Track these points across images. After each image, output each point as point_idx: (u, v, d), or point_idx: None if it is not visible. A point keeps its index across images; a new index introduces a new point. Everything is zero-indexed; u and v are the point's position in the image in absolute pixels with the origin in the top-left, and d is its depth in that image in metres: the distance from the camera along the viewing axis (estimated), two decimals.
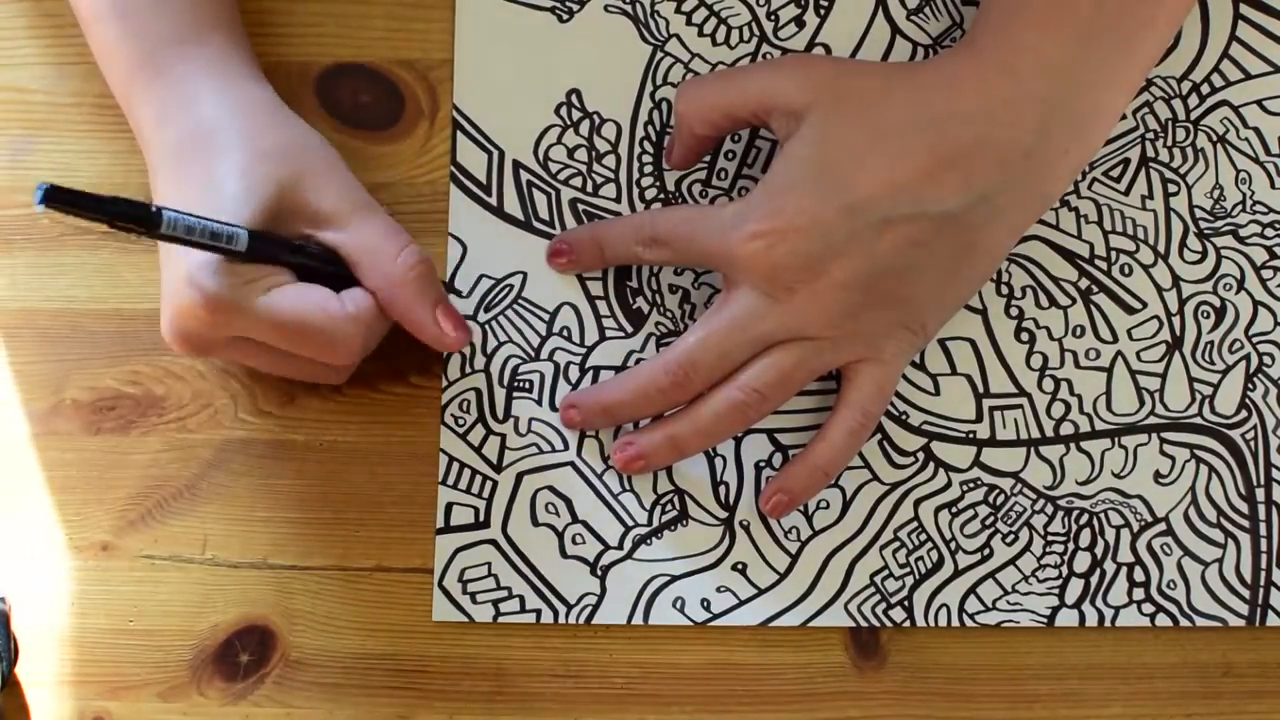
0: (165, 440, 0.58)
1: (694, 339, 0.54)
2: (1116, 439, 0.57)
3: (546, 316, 0.58)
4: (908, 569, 0.57)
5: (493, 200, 0.59)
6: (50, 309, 0.59)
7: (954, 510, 0.57)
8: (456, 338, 0.54)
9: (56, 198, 0.44)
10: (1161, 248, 0.58)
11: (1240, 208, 0.59)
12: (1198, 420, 0.57)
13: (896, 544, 0.57)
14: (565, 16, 0.60)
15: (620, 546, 0.57)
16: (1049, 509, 0.57)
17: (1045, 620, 0.57)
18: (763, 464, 0.57)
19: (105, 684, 0.57)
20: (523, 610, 0.57)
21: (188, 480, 0.58)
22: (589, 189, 0.59)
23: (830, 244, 0.52)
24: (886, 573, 0.57)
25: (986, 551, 0.57)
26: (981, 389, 0.58)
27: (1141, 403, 0.58)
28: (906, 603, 0.57)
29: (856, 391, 0.55)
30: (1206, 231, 0.59)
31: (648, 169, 0.59)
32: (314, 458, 0.58)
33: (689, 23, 0.60)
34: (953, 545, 0.57)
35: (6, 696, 0.56)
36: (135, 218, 0.46)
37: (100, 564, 0.57)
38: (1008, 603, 0.57)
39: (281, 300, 0.50)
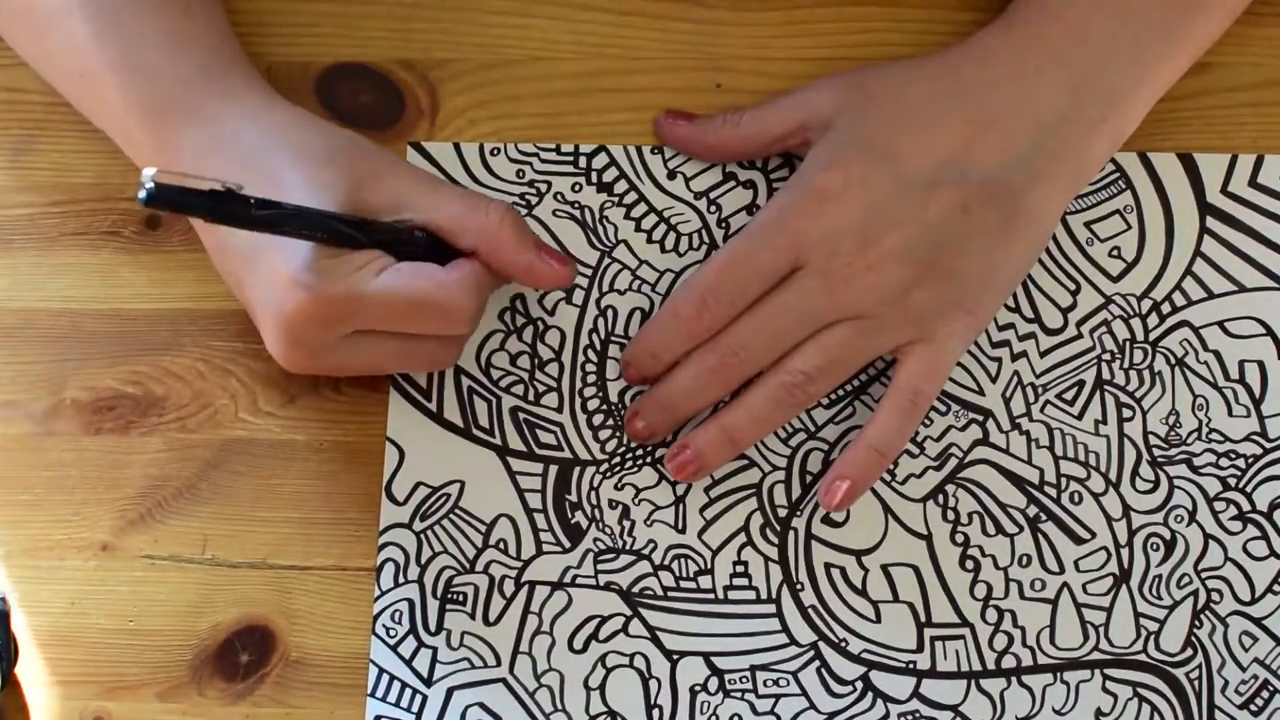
0: (165, 440, 0.58)
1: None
2: (1059, 674, 0.56)
3: (483, 528, 0.58)
4: None
5: (432, 406, 0.58)
6: (50, 309, 0.59)
7: None
8: (565, 272, 0.54)
9: (161, 198, 0.44)
10: (1113, 475, 0.57)
11: (1195, 435, 0.57)
12: (1142, 657, 0.56)
13: None
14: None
15: None
16: None
17: None
18: (698, 688, 0.56)
19: (105, 684, 0.57)
20: None
21: (188, 480, 0.58)
22: (530, 397, 0.58)
23: (880, 212, 0.53)
24: None
25: None
26: (924, 617, 0.57)
27: (1086, 637, 0.56)
28: None
29: (905, 371, 0.54)
30: (1160, 460, 0.57)
31: (591, 378, 0.58)
32: (314, 458, 0.58)
33: (638, 229, 0.59)
34: None
35: (6, 696, 0.56)
36: (232, 212, 0.46)
37: (100, 564, 0.57)
38: None
39: (394, 278, 0.50)
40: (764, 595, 0.57)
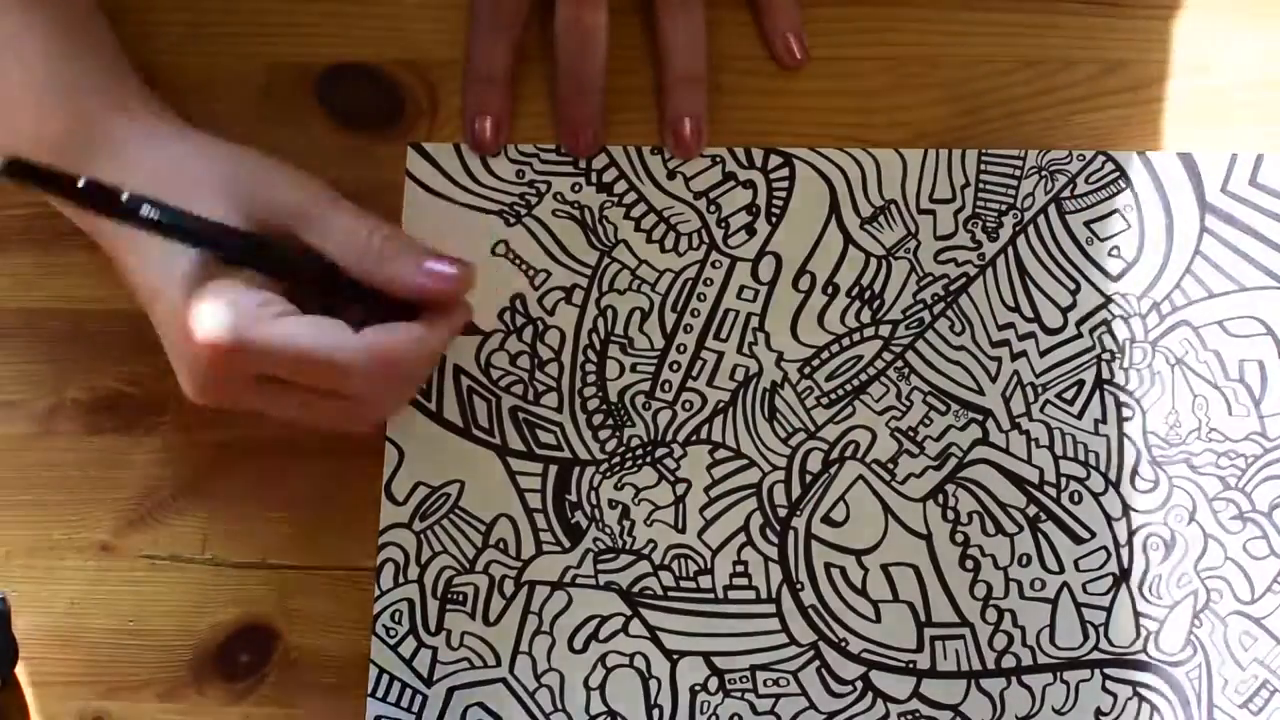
0: (165, 440, 0.58)
1: None
2: (1059, 674, 0.56)
3: (483, 528, 0.58)
4: None
5: (432, 406, 0.58)
6: (50, 309, 0.59)
7: None
8: (460, 273, 0.53)
9: (17, 170, 0.44)
10: (1113, 475, 0.57)
11: (1195, 435, 0.57)
12: (1142, 657, 0.56)
13: None
14: (513, 220, 0.59)
15: None
16: None
17: None
18: (698, 688, 0.56)
19: (105, 684, 0.57)
20: None
21: (188, 480, 0.58)
22: (530, 397, 0.58)
23: None
24: None
25: None
26: (924, 617, 0.57)
27: (1086, 637, 0.56)
28: None
29: None
30: (1160, 459, 0.57)
31: (591, 378, 0.58)
32: (314, 458, 0.58)
33: (637, 229, 0.59)
34: None
35: (6, 696, 0.56)
36: (106, 204, 0.46)
37: (100, 564, 0.58)
38: None
39: (292, 323, 0.49)
40: (764, 595, 0.57)
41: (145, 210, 0.47)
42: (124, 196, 0.47)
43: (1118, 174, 0.59)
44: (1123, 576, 0.57)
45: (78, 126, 0.53)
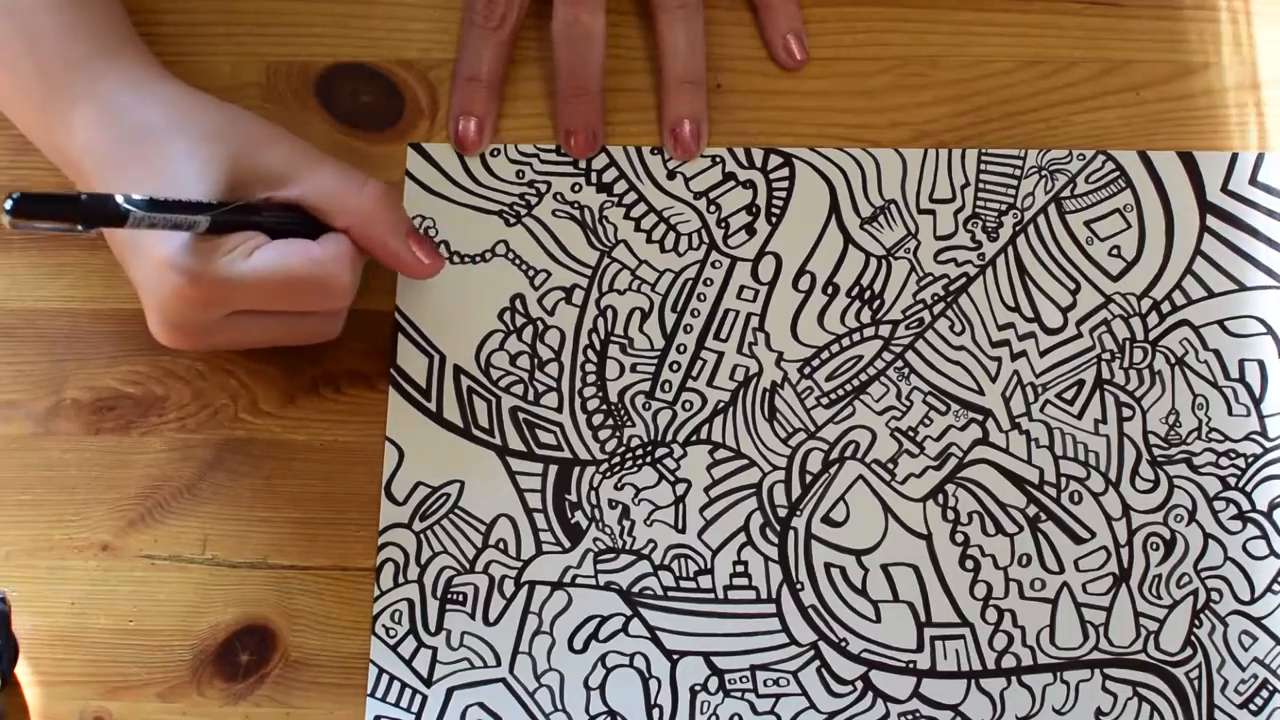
0: (165, 440, 0.58)
1: None
2: (1059, 674, 0.56)
3: (483, 528, 0.57)
4: None
5: (432, 406, 0.58)
6: (50, 309, 0.59)
7: None
8: (430, 264, 0.55)
9: (27, 205, 0.44)
10: (1113, 475, 0.57)
11: (1195, 435, 0.57)
12: (1142, 657, 0.56)
13: None
14: (513, 220, 0.59)
15: None
16: None
17: None
18: (698, 688, 0.56)
19: (105, 684, 0.57)
20: None
21: (188, 480, 0.58)
22: (530, 397, 0.58)
23: None
24: None
25: None
26: (924, 617, 0.57)
27: (1086, 637, 0.56)
28: None
29: None
30: (1160, 459, 0.57)
31: (591, 378, 0.58)
32: (314, 458, 0.58)
33: (637, 229, 0.59)
34: None
35: (6, 696, 0.56)
36: (102, 214, 0.46)
37: (100, 564, 0.57)
38: None
39: (265, 257, 0.51)
40: (764, 595, 0.57)
41: (133, 217, 0.47)
42: (119, 199, 0.47)
43: (1118, 174, 0.59)
44: (1123, 576, 0.57)
45: (69, 73, 0.53)
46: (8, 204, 0.44)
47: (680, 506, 0.57)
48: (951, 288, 0.58)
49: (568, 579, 0.57)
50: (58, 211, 0.45)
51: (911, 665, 0.56)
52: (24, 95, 0.54)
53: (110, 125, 0.52)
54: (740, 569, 0.57)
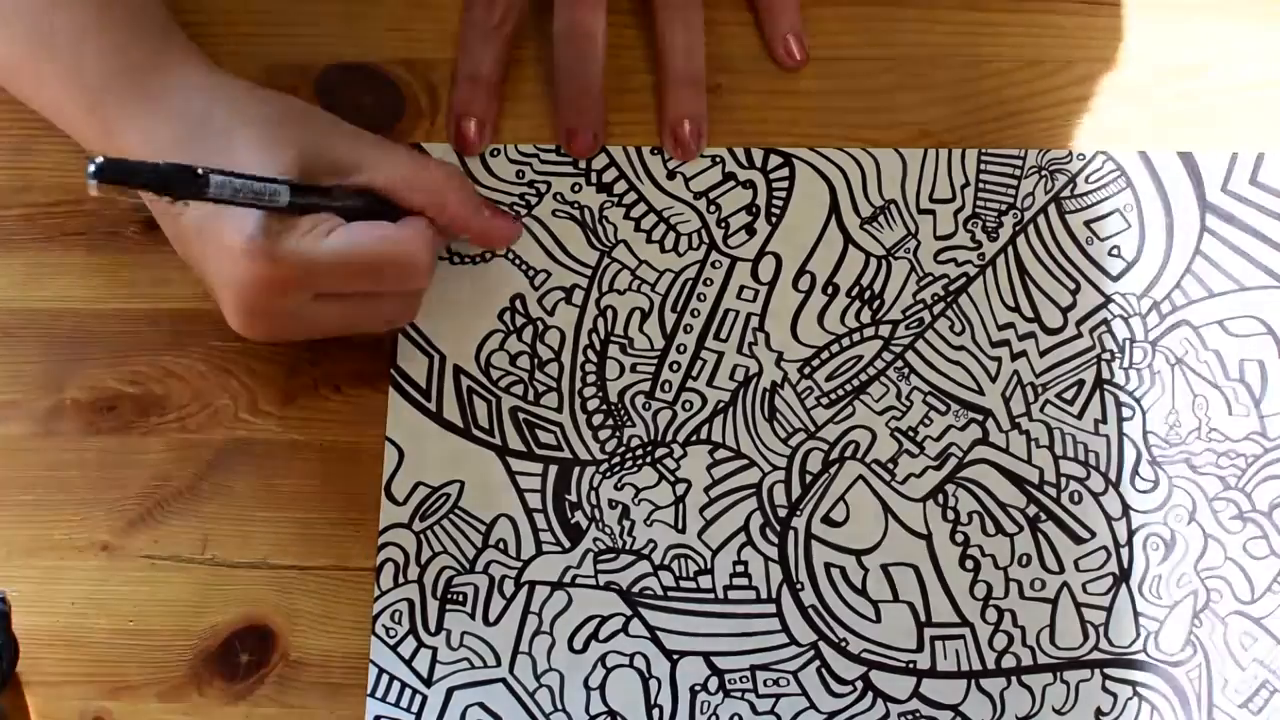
0: (165, 440, 0.58)
1: None
2: (1059, 674, 0.56)
3: (483, 528, 0.58)
4: None
5: (432, 406, 0.58)
6: (50, 309, 0.59)
7: None
8: (510, 228, 0.57)
9: (111, 171, 0.44)
10: (1113, 475, 0.57)
11: (1195, 434, 0.57)
12: (1142, 657, 0.56)
13: None
14: (513, 220, 0.59)
15: None
16: None
17: None
18: (698, 688, 0.56)
19: (105, 684, 0.57)
20: None
21: (188, 480, 0.58)
22: (530, 397, 0.58)
23: None
24: None
25: None
26: (924, 617, 0.57)
27: (1086, 637, 0.56)
28: None
29: None
30: (1160, 459, 0.57)
31: (591, 378, 0.58)
32: (314, 458, 0.58)
33: (637, 229, 0.59)
34: None
35: (6, 696, 0.56)
36: (183, 181, 0.46)
37: (100, 564, 0.57)
38: None
39: (345, 236, 0.51)
40: (764, 595, 0.57)
41: (214, 184, 0.47)
42: (198, 171, 0.47)
43: (1118, 174, 0.59)
44: (1123, 576, 0.57)
45: (122, 72, 0.53)
46: (90, 167, 0.44)
47: (680, 506, 0.57)
48: (951, 288, 0.58)
49: (568, 579, 0.57)
50: (138, 178, 0.46)
51: (911, 665, 0.56)
52: (70, 98, 0.54)
53: (171, 120, 0.52)
54: (740, 569, 0.57)
